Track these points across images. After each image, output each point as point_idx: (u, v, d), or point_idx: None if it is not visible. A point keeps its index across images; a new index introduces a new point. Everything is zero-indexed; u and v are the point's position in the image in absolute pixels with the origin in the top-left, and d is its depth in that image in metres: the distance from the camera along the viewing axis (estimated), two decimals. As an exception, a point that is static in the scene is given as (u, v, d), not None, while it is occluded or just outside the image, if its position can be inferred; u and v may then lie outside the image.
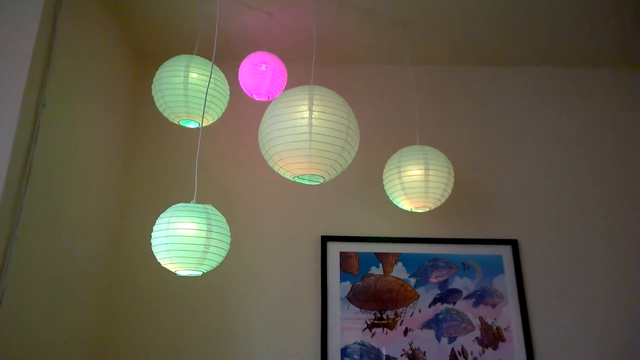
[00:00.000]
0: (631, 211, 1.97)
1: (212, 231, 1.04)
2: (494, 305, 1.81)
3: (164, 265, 1.07)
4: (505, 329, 1.78)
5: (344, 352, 1.72)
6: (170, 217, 1.04)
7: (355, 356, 1.72)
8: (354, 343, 1.74)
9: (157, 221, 1.07)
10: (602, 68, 2.19)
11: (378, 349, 1.74)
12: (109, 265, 1.79)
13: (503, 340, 1.76)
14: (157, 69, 1.45)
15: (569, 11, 1.84)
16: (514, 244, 1.89)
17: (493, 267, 1.86)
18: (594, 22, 1.90)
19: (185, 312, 1.77)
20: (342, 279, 1.83)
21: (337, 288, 1.81)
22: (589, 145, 2.08)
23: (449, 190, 1.62)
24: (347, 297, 1.80)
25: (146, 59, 2.12)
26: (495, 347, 1.75)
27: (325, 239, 1.87)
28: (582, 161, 2.05)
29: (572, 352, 1.76)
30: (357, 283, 1.83)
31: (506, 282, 1.84)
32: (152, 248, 1.06)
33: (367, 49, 2.08)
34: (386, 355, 1.73)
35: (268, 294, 1.81)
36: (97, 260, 1.70)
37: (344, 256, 1.86)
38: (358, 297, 1.81)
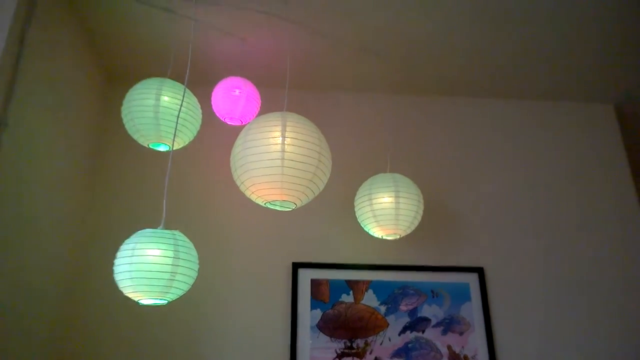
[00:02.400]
0: (596, 239, 2.04)
1: (179, 258, 1.00)
2: (461, 333, 1.82)
3: (126, 294, 1.02)
4: (472, 357, 1.78)
5: (312, 383, 1.68)
6: (137, 242, 1.00)
7: (324, 387, 1.68)
8: (323, 373, 1.70)
9: (122, 247, 1.03)
10: (562, 101, 2.32)
11: (348, 380, 1.71)
12: (67, 294, 1.70)
13: (471, 368, 1.77)
14: (127, 91, 1.43)
15: (533, 46, 1.95)
16: (480, 271, 1.92)
17: (460, 295, 1.88)
18: (555, 59, 2.02)
19: (150, 341, 1.69)
20: (313, 307, 1.80)
21: (308, 316, 1.78)
22: (552, 174, 2.17)
23: (419, 218, 1.64)
24: (317, 325, 1.77)
25: (116, 81, 2.08)
26: (463, 376, 1.75)
27: (296, 266, 1.84)
28: (546, 190, 2.13)
29: (538, 380, 1.78)
30: (328, 311, 1.81)
31: (473, 310, 1.86)
32: (115, 275, 1.02)
33: (340, 76, 2.13)
34: (356, 386, 1.70)
35: (237, 322, 1.75)
36: (54, 288, 1.60)
37: (315, 283, 1.84)
38: (328, 326, 1.78)
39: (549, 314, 1.90)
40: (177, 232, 1.07)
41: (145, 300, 1.03)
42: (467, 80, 2.15)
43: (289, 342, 1.73)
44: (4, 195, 1.30)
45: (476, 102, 2.29)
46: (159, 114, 1.35)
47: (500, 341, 1.83)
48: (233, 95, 1.61)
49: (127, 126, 1.40)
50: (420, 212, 1.64)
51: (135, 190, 1.92)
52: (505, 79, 2.15)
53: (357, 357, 1.75)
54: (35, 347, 1.49)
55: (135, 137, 1.41)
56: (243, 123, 1.67)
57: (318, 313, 1.79)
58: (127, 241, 1.03)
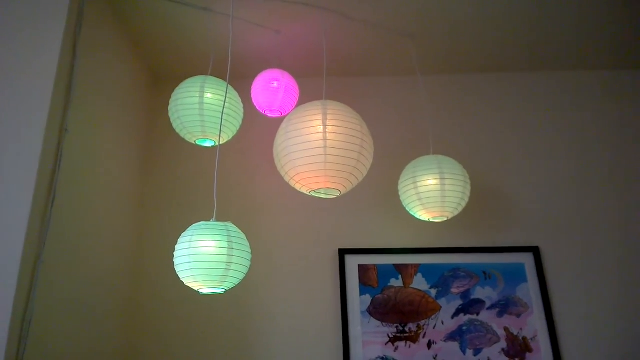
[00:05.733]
0: (655, 213, 1.92)
1: (233, 248, 1.04)
2: (518, 315, 1.77)
3: (187, 284, 1.07)
4: (532, 339, 1.74)
5: (367, 367, 1.70)
6: (192, 235, 1.05)
7: (379, 371, 1.70)
8: (376, 358, 1.71)
9: (179, 240, 1.08)
10: (604, 70, 2.17)
11: (402, 363, 1.71)
12: (132, 286, 1.81)
13: (530, 350, 1.72)
14: (172, 91, 1.49)
15: (579, 15, 1.83)
16: (535, 251, 1.86)
17: (515, 276, 1.83)
18: (605, 27, 1.89)
19: (204, 328, 1.77)
20: (362, 292, 1.81)
21: (357, 301, 1.80)
22: (610, 149, 2.04)
23: (466, 199, 1.60)
24: (367, 310, 1.78)
25: (161, 81, 2.17)
26: (522, 358, 1.71)
27: (343, 252, 1.86)
28: (603, 165, 2.02)
29: (603, 361, 1.71)
30: (377, 296, 1.81)
31: (530, 291, 1.80)
32: (175, 267, 1.07)
33: (377, 62, 2.10)
34: (411, 369, 1.70)
35: (287, 311, 1.80)
36: (120, 281, 1.71)
37: (362, 269, 1.85)
38: (379, 310, 1.79)
39: (611, 293, 1.80)
40: (229, 224, 1.11)
41: (205, 290, 1.08)
42: (508, 56, 2.06)
43: (341, 328, 1.75)
44: (68, 198, 1.40)
45: (519, 76, 2.18)
46: (203, 111, 1.39)
47: (561, 322, 1.76)
48: (271, 88, 1.63)
49: (174, 124, 1.46)
50: (468, 192, 1.59)
51: (186, 185, 2.00)
52: (550, 52, 2.03)
53: (410, 341, 1.74)
54: (107, 332, 1.61)
55: (182, 134, 1.47)
56: (283, 114, 1.69)
57: (367, 298, 1.80)
58: (183, 234, 1.08)
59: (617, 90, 2.14)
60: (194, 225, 1.10)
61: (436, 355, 1.72)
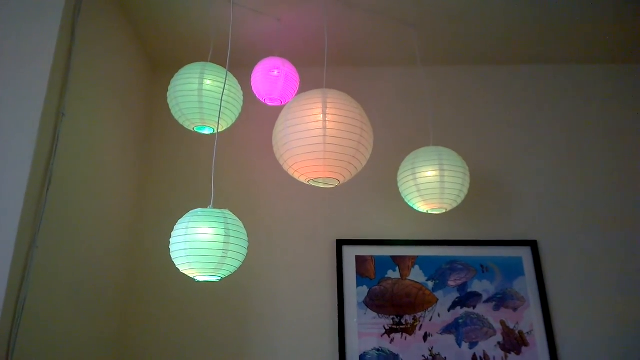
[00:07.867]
0: (654, 209, 1.91)
1: (230, 236, 1.03)
2: (515, 309, 1.77)
3: (182, 271, 1.06)
4: (528, 333, 1.74)
5: (362, 358, 1.70)
6: (189, 222, 1.04)
7: (374, 362, 1.70)
8: (372, 349, 1.72)
9: (176, 227, 1.07)
10: (609, 64, 2.15)
11: (397, 355, 1.72)
12: (127, 272, 1.81)
13: (526, 344, 1.72)
14: (171, 77, 1.47)
15: (587, 6, 1.81)
16: (533, 245, 1.85)
17: (513, 269, 1.83)
18: (616, 18, 1.87)
19: (201, 318, 1.77)
20: (359, 284, 1.81)
21: (354, 293, 1.80)
22: (612, 144, 2.03)
23: (465, 191, 1.59)
24: (364, 301, 1.78)
25: (160, 68, 2.14)
26: (518, 352, 1.71)
27: (340, 243, 1.85)
28: (604, 160, 2.01)
29: (597, 356, 1.71)
30: (374, 287, 1.81)
31: (527, 285, 1.80)
32: (171, 254, 1.06)
33: (379, 51, 2.07)
34: (407, 361, 1.71)
35: (284, 300, 1.80)
36: (115, 267, 1.71)
37: (360, 260, 1.84)
38: (375, 302, 1.79)
39: (608, 288, 1.80)
40: (226, 211, 1.10)
41: (201, 277, 1.07)
42: (511, 48, 2.04)
43: (337, 319, 1.75)
44: (64, 182, 1.38)
45: (521, 69, 2.17)
46: (202, 98, 1.37)
47: (558, 316, 1.76)
48: (272, 76, 1.61)
49: (172, 111, 1.44)
50: (467, 185, 1.59)
51: (183, 172, 1.99)
52: (554, 44, 2.01)
53: (406, 333, 1.75)
54: (102, 317, 1.61)
55: (180, 121, 1.45)
56: (282, 103, 1.67)
57: (364, 290, 1.80)
58: (180, 221, 1.07)
59: (623, 85, 2.12)
60: (190, 212, 1.09)
61: (432, 348, 1.72)
